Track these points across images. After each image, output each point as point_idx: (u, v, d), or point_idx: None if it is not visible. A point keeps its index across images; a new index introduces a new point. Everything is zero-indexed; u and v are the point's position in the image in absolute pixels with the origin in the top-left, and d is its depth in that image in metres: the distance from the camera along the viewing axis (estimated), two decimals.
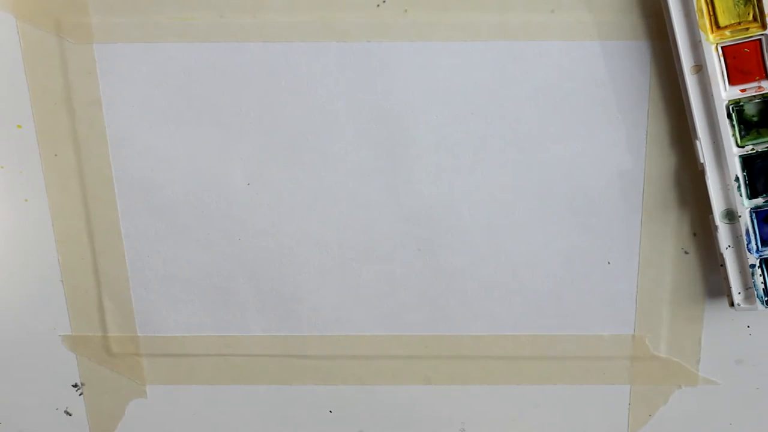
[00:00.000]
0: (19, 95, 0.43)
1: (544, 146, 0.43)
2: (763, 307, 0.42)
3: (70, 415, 0.50)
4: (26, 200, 0.45)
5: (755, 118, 0.40)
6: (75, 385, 0.49)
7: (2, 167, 0.45)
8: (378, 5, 0.41)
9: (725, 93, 0.40)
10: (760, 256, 0.42)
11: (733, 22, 0.39)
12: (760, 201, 0.41)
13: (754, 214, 0.41)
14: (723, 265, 0.42)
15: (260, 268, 0.46)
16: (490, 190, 0.44)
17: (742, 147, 0.40)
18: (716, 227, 0.42)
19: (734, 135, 0.40)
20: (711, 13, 0.39)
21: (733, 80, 0.40)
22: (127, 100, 0.43)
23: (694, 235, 0.44)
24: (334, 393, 0.49)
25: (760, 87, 0.40)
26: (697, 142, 0.41)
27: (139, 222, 0.46)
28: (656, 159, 0.43)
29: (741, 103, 0.40)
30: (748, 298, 0.43)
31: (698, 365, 0.47)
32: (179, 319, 0.47)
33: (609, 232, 0.44)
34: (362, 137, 0.43)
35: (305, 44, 0.42)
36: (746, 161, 0.41)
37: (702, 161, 0.41)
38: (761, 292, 0.42)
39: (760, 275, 0.42)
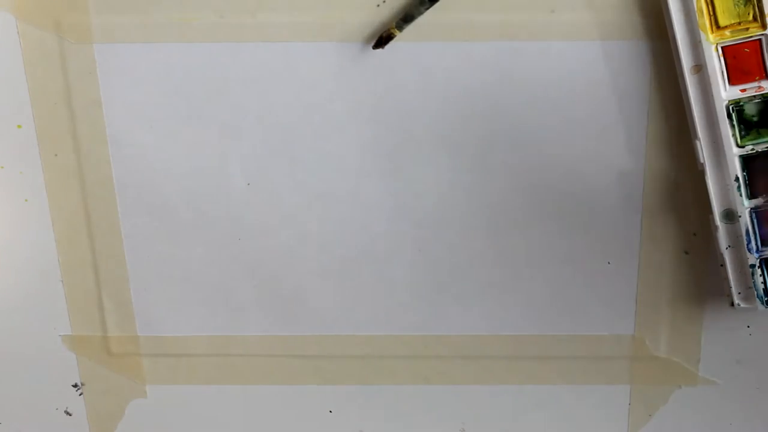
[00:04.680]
0: (19, 95, 0.43)
1: (544, 146, 0.43)
2: (763, 307, 0.42)
3: (70, 415, 0.50)
4: (26, 200, 0.45)
5: (755, 118, 0.40)
6: (75, 385, 0.49)
7: (2, 167, 0.45)
8: (378, 5, 0.41)
9: (725, 93, 0.40)
10: (760, 256, 0.42)
11: (733, 22, 0.39)
12: (760, 201, 0.41)
13: (754, 214, 0.41)
14: (723, 265, 0.42)
15: (260, 268, 0.46)
16: (490, 190, 0.44)
17: (742, 147, 0.40)
18: (716, 227, 0.42)
19: (734, 135, 0.40)
20: (711, 13, 0.39)
21: (733, 80, 0.40)
22: (127, 100, 0.43)
23: (694, 235, 0.44)
24: (334, 393, 0.49)
25: (760, 87, 0.40)
26: (697, 142, 0.41)
27: (139, 222, 0.46)
28: (656, 159, 0.43)
29: (741, 103, 0.40)
30: (748, 298, 0.43)
31: (698, 365, 0.47)
32: (179, 319, 0.47)
33: (609, 232, 0.44)
34: (362, 137, 0.43)
35: (305, 44, 0.42)
36: (746, 161, 0.41)
37: (702, 161, 0.41)
38: (761, 292, 0.42)
39: (760, 275, 0.42)
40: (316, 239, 0.45)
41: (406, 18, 0.40)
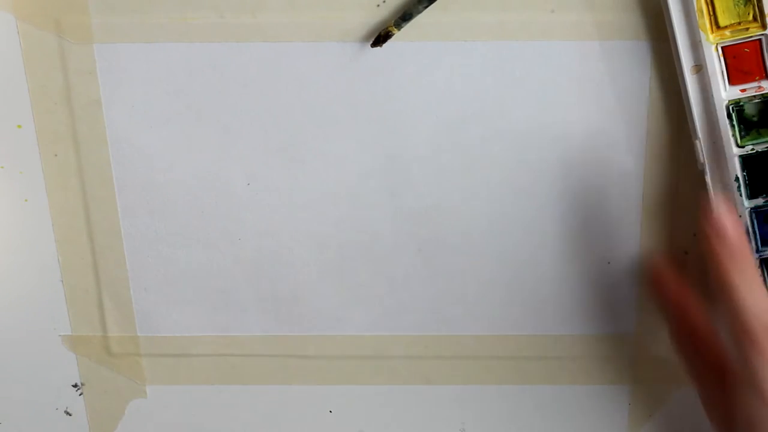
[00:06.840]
0: (19, 95, 0.43)
1: (543, 146, 0.43)
2: None
3: (70, 415, 0.50)
4: (26, 200, 0.45)
5: (755, 118, 0.40)
6: (75, 385, 0.49)
7: (2, 167, 0.45)
8: (378, 5, 0.41)
9: (725, 93, 0.40)
10: (760, 256, 0.42)
11: (733, 22, 0.39)
12: (760, 201, 0.41)
13: (754, 214, 0.41)
14: None
15: (260, 268, 0.46)
16: (489, 190, 0.44)
17: (742, 147, 0.40)
18: None
19: (734, 135, 0.40)
20: (711, 13, 0.39)
21: (733, 80, 0.40)
22: (127, 100, 0.43)
23: (694, 235, 0.44)
24: (334, 393, 0.49)
25: (760, 87, 0.40)
26: (697, 142, 0.41)
27: (139, 222, 0.46)
28: (656, 159, 0.43)
29: (741, 103, 0.40)
30: None
31: None
32: (179, 319, 0.47)
33: (609, 232, 0.44)
34: (362, 137, 0.43)
35: (305, 44, 0.42)
36: (746, 161, 0.41)
37: (702, 161, 0.41)
38: None
39: (761, 275, 0.42)
40: (316, 239, 0.45)
41: (404, 16, 0.40)
